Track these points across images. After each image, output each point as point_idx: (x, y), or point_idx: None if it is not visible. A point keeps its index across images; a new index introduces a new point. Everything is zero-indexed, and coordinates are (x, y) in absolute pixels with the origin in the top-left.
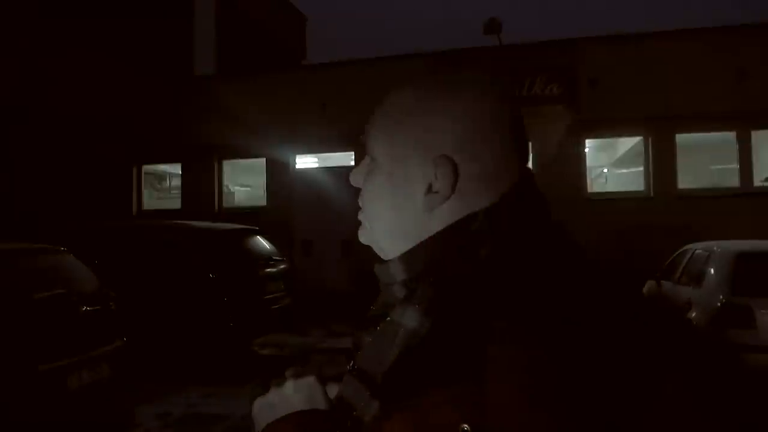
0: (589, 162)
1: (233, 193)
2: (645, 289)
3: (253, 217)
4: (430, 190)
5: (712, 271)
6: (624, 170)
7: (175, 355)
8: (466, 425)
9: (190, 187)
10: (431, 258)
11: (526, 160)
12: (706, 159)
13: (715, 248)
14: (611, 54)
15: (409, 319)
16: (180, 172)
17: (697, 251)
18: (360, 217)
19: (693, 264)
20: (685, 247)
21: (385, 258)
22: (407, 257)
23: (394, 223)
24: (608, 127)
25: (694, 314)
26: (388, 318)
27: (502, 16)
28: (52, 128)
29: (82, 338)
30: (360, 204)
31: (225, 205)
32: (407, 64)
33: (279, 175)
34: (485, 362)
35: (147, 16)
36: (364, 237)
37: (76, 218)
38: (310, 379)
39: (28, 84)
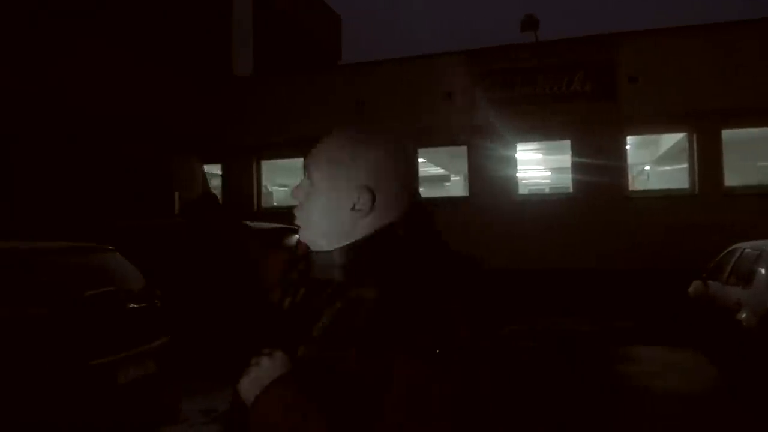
0: (630, 159)
1: (271, 193)
2: (691, 290)
3: (291, 217)
4: (353, 208)
5: (763, 271)
6: (667, 167)
7: (219, 352)
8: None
9: (230, 187)
10: (367, 251)
11: (417, 188)
12: (753, 155)
13: (765, 248)
14: (652, 48)
15: (367, 292)
16: (220, 173)
17: (746, 251)
18: (297, 221)
19: (742, 264)
20: (732, 247)
21: (320, 250)
22: (346, 250)
23: (329, 228)
24: (650, 123)
25: (743, 315)
26: (349, 295)
27: (539, 12)
28: (96, 129)
29: (129, 335)
30: (296, 213)
31: (264, 204)
32: (443, 63)
33: None
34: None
35: (187, 18)
36: (302, 236)
37: (121, 217)
38: (279, 353)
39: (72, 86)
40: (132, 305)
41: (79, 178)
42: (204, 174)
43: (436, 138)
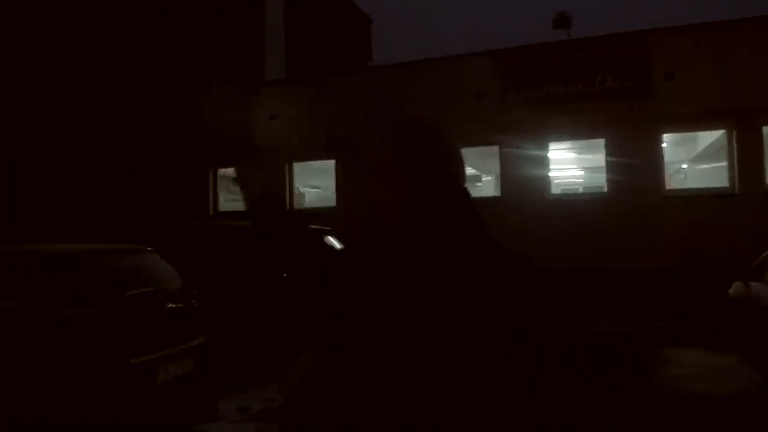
0: (666, 157)
1: (303, 194)
2: (732, 291)
3: (323, 218)
4: None
5: None
6: (705, 166)
7: (254, 351)
8: None
9: (264, 188)
10: None
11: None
12: None
13: None
14: (688, 44)
15: None
16: (254, 174)
17: None
18: None
19: None
20: None
21: None
22: None
23: None
24: (687, 120)
25: None
26: None
27: (571, 9)
28: (134, 133)
29: (168, 334)
30: None
31: (296, 206)
32: (473, 62)
33: (349, 175)
34: None
35: (220, 24)
36: None
37: (159, 219)
38: None
39: (111, 92)
40: (170, 305)
41: (120, 181)
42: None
43: (467, 138)
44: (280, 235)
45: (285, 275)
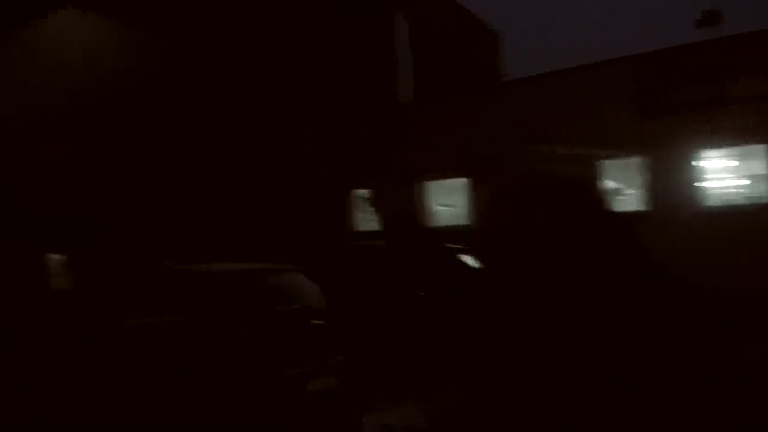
0: None
1: (437, 212)
2: None
3: (456, 236)
4: None
5: None
6: None
7: (391, 369)
8: None
9: (397, 208)
10: None
11: None
12: None
13: None
14: None
15: None
16: (388, 195)
17: None
18: None
19: None
20: None
21: None
22: None
23: None
24: None
25: None
26: None
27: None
28: (278, 160)
29: (313, 350)
30: None
31: (430, 224)
32: (611, 69)
33: (479, 193)
34: None
35: (354, 48)
36: None
37: (302, 239)
38: None
39: (252, 122)
40: (314, 322)
41: (267, 204)
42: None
43: (607, 149)
44: (416, 254)
45: (421, 294)
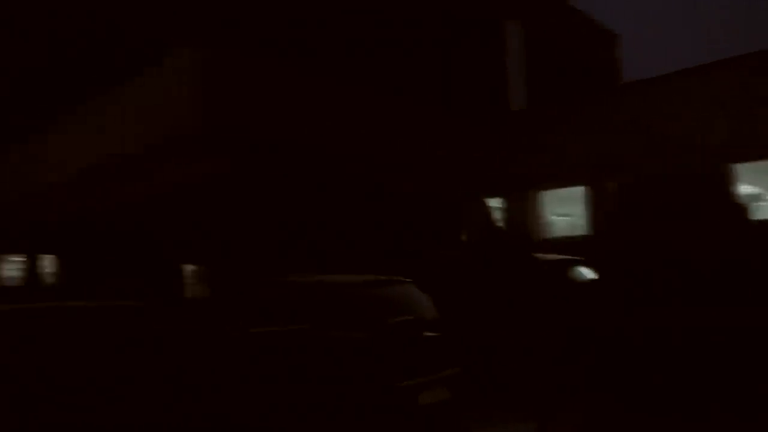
0: None
1: (552, 222)
2: None
3: (574, 247)
4: None
5: None
6: None
7: (505, 382)
8: None
9: (512, 219)
10: None
11: None
12: None
13: None
14: None
15: None
16: (501, 206)
17: None
18: None
19: None
20: None
21: None
22: None
23: None
24: None
25: None
26: None
27: None
28: (391, 173)
29: (426, 362)
30: None
31: (545, 235)
32: (746, 65)
33: (600, 201)
34: None
35: (463, 59)
36: None
37: (415, 251)
38: None
39: (368, 139)
40: (427, 334)
41: (381, 220)
42: (488, 209)
43: (745, 151)
44: (525, 265)
45: (530, 306)
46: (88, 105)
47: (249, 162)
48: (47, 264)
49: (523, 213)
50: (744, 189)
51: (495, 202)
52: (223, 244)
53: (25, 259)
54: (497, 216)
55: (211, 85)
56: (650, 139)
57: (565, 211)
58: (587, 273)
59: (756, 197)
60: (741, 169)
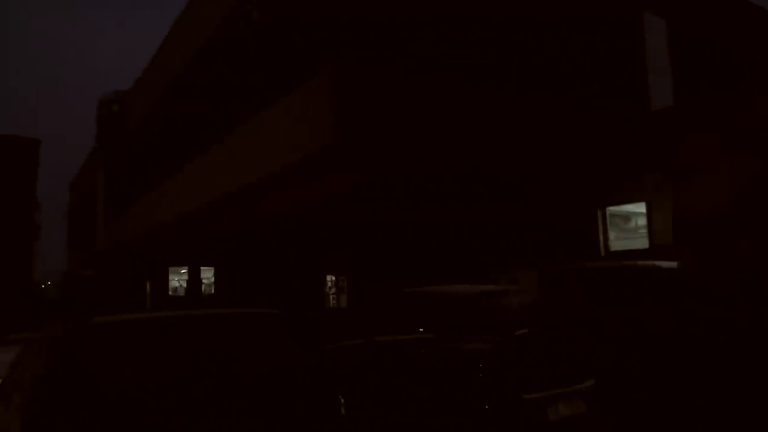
0: None
1: None
2: None
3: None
4: None
5: None
6: None
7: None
8: None
9: (656, 226)
10: None
11: None
12: None
13: None
14: None
15: None
16: (644, 211)
17: None
18: None
19: None
20: None
21: None
22: None
23: None
24: None
25: None
26: None
27: None
28: (522, 180)
29: (557, 373)
30: None
31: None
32: None
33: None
34: None
35: (600, 60)
36: None
37: (548, 261)
38: None
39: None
40: (559, 345)
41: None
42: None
43: None
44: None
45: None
46: (236, 133)
47: (386, 177)
48: (207, 275)
49: (670, 218)
50: None
51: (639, 208)
52: (363, 256)
53: (187, 271)
54: (641, 222)
55: (344, 105)
56: None
57: None
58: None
59: None
60: None
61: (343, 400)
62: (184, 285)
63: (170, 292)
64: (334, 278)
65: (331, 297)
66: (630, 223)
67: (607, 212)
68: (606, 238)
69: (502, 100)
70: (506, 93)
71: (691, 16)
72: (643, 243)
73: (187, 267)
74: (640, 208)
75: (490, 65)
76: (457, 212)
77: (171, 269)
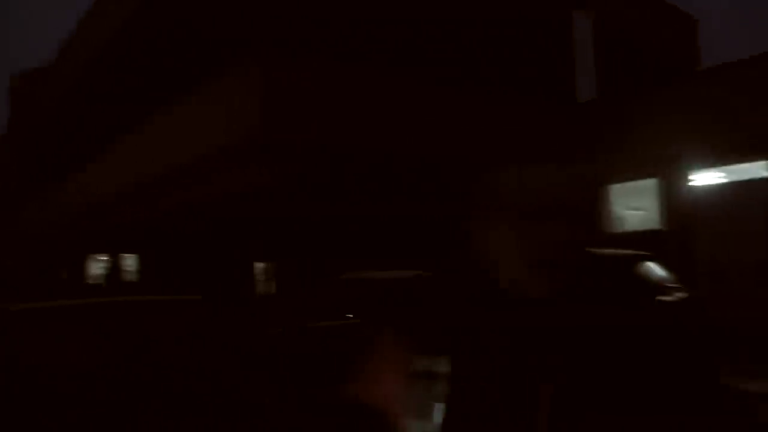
0: None
1: (622, 217)
2: None
3: (645, 242)
4: None
5: None
6: None
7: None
8: None
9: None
10: None
11: None
12: None
13: None
14: None
15: None
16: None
17: None
18: None
19: None
20: None
21: None
22: None
23: None
24: None
25: None
26: None
27: None
28: (457, 169)
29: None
30: None
31: (614, 230)
32: None
33: (674, 195)
34: None
35: (527, 50)
36: None
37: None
38: None
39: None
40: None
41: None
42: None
43: None
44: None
45: None
46: (155, 118)
47: (314, 167)
48: (129, 262)
49: (593, 207)
50: None
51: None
52: (290, 244)
53: (108, 258)
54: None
55: (271, 95)
56: (729, 129)
57: (637, 205)
58: (657, 268)
59: None
60: None
61: (270, 386)
62: (105, 273)
63: (90, 281)
64: (263, 265)
65: (260, 284)
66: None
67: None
68: None
69: (434, 91)
70: (439, 84)
71: (615, 16)
72: None
73: (107, 254)
74: None
75: (424, 57)
76: (390, 204)
77: (91, 256)
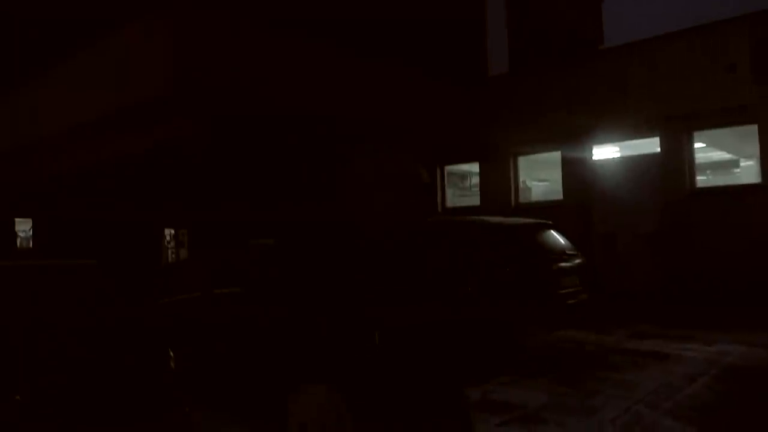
0: None
1: (530, 188)
2: None
3: (549, 212)
4: None
5: None
6: None
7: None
8: None
9: (487, 185)
10: None
11: None
12: None
13: None
14: None
15: None
16: (477, 171)
17: None
18: None
19: None
20: None
21: None
22: None
23: None
24: None
25: None
26: None
27: None
28: (362, 137)
29: None
30: None
31: (521, 200)
32: (724, 31)
33: (576, 167)
34: None
35: (440, 21)
36: None
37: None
38: None
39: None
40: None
41: (348, 181)
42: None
43: (718, 118)
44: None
45: (507, 269)
46: (59, 68)
47: (219, 125)
48: (24, 227)
49: (500, 178)
50: (720, 155)
51: (474, 168)
52: (201, 207)
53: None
54: (474, 181)
55: (180, 49)
56: (625, 106)
57: (544, 177)
58: (557, 236)
59: (733, 163)
60: (713, 135)
61: (173, 354)
62: None
63: None
64: (173, 232)
65: (170, 251)
66: (466, 182)
67: (446, 171)
68: (444, 196)
69: (345, 54)
70: (351, 49)
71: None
72: (476, 201)
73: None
74: (475, 167)
75: (337, 21)
76: (299, 168)
77: None
